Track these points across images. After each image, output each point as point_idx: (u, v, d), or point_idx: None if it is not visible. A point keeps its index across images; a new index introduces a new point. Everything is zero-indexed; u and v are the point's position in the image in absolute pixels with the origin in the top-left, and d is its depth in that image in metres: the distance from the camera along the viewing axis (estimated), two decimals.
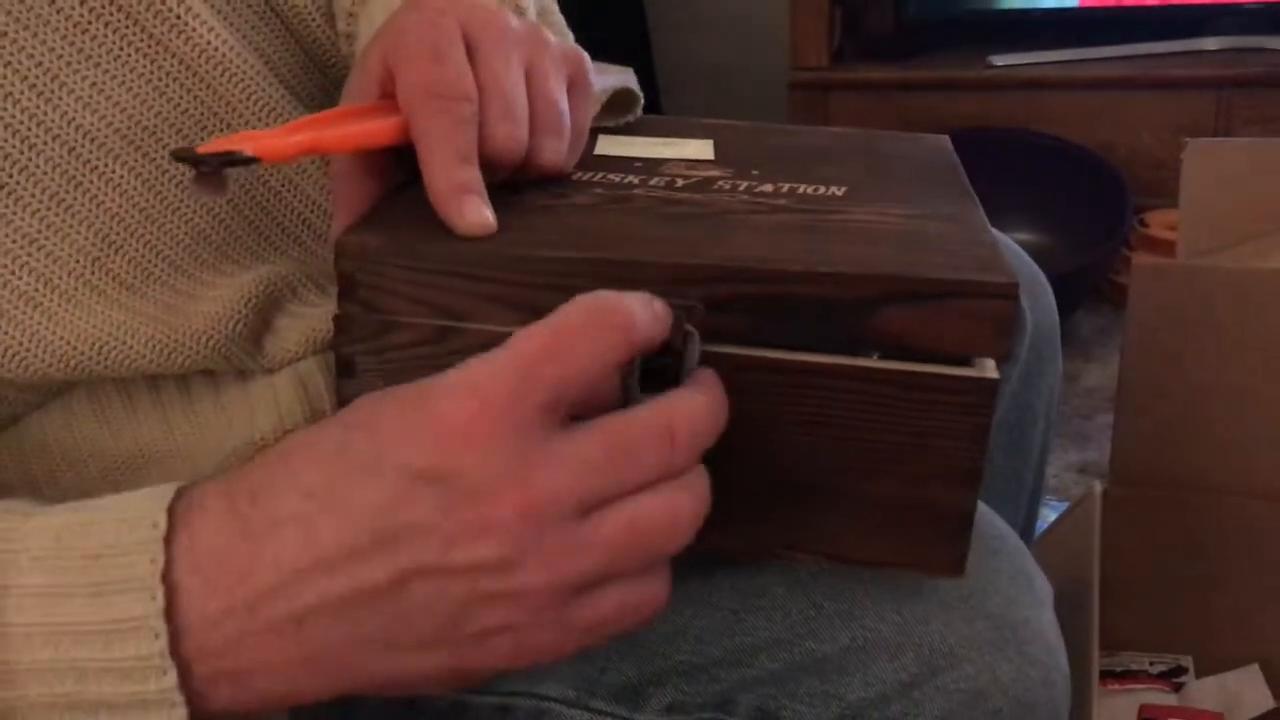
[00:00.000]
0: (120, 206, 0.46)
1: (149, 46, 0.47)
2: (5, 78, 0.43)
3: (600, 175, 0.48)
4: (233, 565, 0.33)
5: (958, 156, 0.53)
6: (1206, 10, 1.90)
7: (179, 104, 0.48)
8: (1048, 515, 1.25)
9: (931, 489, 0.40)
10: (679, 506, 0.34)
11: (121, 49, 0.46)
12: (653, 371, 0.38)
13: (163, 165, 0.47)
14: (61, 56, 0.45)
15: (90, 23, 0.45)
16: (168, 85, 0.48)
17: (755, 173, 0.49)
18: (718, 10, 2.13)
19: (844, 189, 0.47)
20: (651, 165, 0.50)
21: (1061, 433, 1.50)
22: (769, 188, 0.47)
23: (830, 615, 0.45)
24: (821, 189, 0.47)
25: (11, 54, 0.44)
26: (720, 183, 0.48)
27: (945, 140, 0.54)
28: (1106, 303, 1.77)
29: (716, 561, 0.47)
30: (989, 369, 0.39)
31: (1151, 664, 0.96)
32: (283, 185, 0.51)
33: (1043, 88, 1.86)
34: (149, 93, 0.47)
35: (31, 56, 0.44)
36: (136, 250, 0.47)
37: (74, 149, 0.45)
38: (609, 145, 0.52)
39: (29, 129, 0.44)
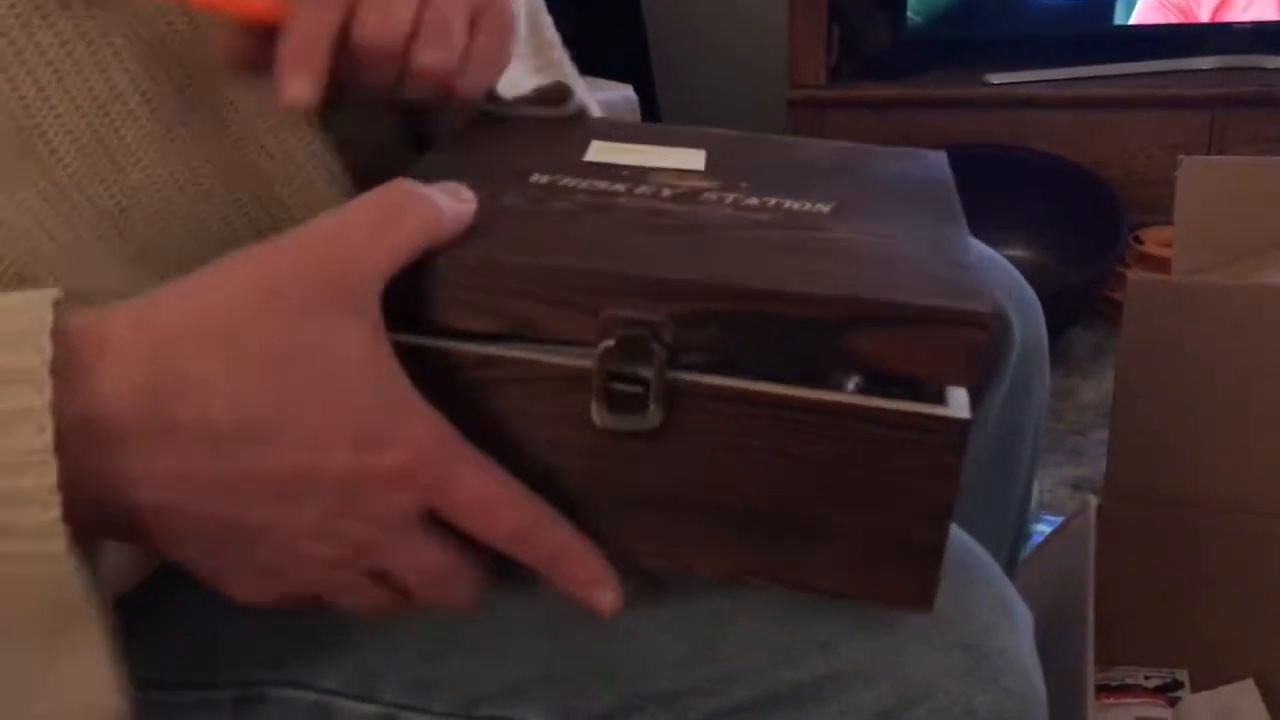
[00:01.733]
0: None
1: None
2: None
3: (586, 182, 0.47)
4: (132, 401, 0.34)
5: (952, 173, 0.52)
6: (1200, 30, 1.92)
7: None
8: (1042, 530, 1.25)
9: (900, 523, 0.40)
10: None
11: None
12: (621, 396, 0.38)
13: None
14: None
15: None
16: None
17: (744, 185, 0.48)
18: (717, 28, 2.15)
19: (831, 205, 0.46)
20: (640, 174, 0.49)
21: (1056, 448, 1.51)
22: (754, 201, 0.46)
23: (806, 644, 0.45)
24: (808, 205, 0.46)
25: None
26: (706, 194, 0.47)
27: (941, 156, 0.54)
28: (1101, 319, 1.78)
29: (692, 588, 0.47)
30: (961, 407, 0.38)
31: (1147, 678, 0.96)
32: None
33: (1039, 106, 1.87)
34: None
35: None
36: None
37: None
38: (599, 152, 0.51)
39: None
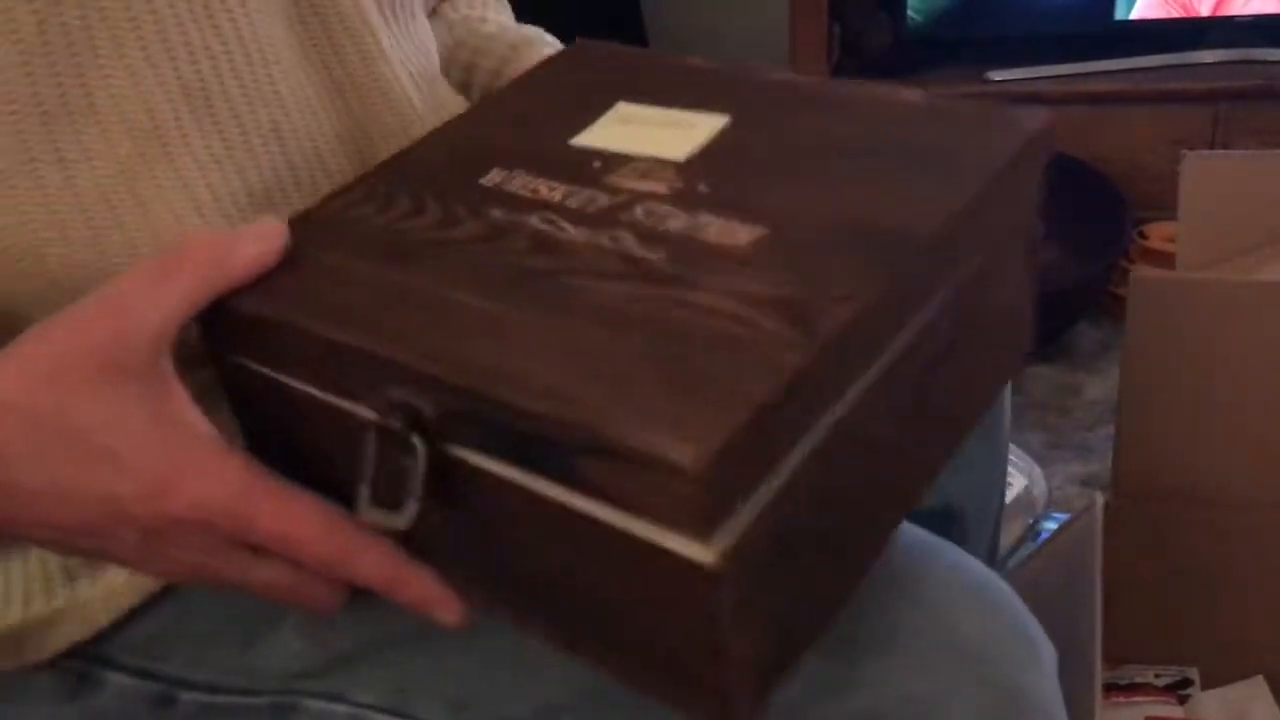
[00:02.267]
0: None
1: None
2: None
3: (529, 187, 0.46)
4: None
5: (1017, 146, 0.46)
6: (1202, 24, 1.91)
7: None
8: (1050, 527, 1.25)
9: (683, 648, 0.36)
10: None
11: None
12: (393, 471, 0.38)
13: None
14: None
15: None
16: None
17: (702, 189, 0.44)
18: (717, 28, 2.15)
19: (760, 234, 0.41)
20: (608, 166, 0.46)
21: (1064, 445, 1.50)
22: (674, 226, 0.42)
23: (848, 681, 0.44)
24: (737, 235, 0.41)
25: None
26: (637, 209, 0.43)
27: (1015, 129, 0.47)
28: (1107, 315, 1.77)
29: None
30: (706, 552, 0.32)
31: (1157, 676, 0.95)
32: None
33: (1041, 102, 1.87)
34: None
35: None
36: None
37: None
38: (604, 125, 0.49)
39: None
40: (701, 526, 0.32)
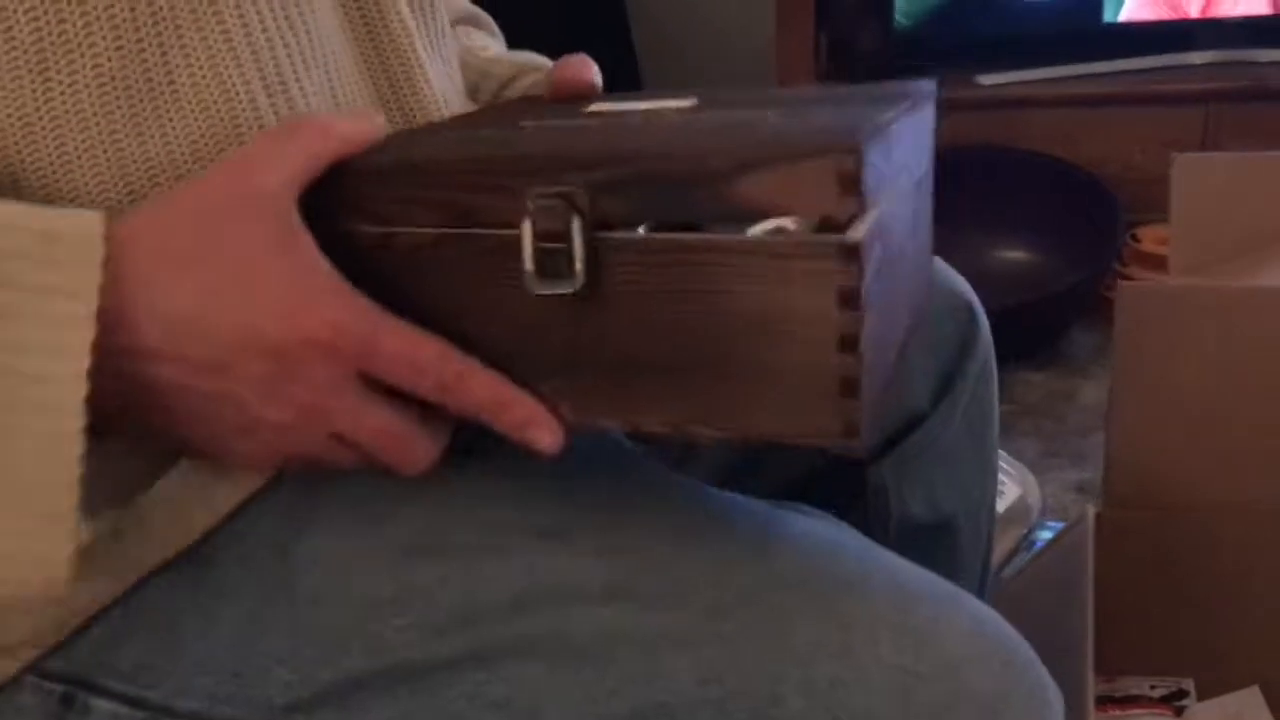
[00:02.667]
0: None
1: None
2: None
3: (565, 113, 0.54)
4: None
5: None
6: (1191, 25, 1.91)
7: None
8: (1045, 537, 1.24)
9: (816, 356, 0.41)
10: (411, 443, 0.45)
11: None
12: (548, 260, 0.42)
13: None
14: None
15: None
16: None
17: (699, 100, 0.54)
18: (703, 32, 2.14)
19: (775, 109, 0.50)
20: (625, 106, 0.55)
21: (1058, 452, 1.49)
22: (691, 102, 0.53)
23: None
24: (747, 107, 0.52)
25: None
26: (664, 107, 0.53)
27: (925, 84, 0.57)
28: (1101, 319, 1.77)
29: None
30: (853, 233, 0.40)
31: (1152, 688, 0.95)
32: None
33: (1032, 106, 1.86)
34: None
35: None
36: None
37: None
38: (598, 105, 0.57)
39: None
40: (854, 204, 0.39)
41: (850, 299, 0.40)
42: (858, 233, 0.40)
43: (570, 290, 0.43)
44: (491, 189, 0.43)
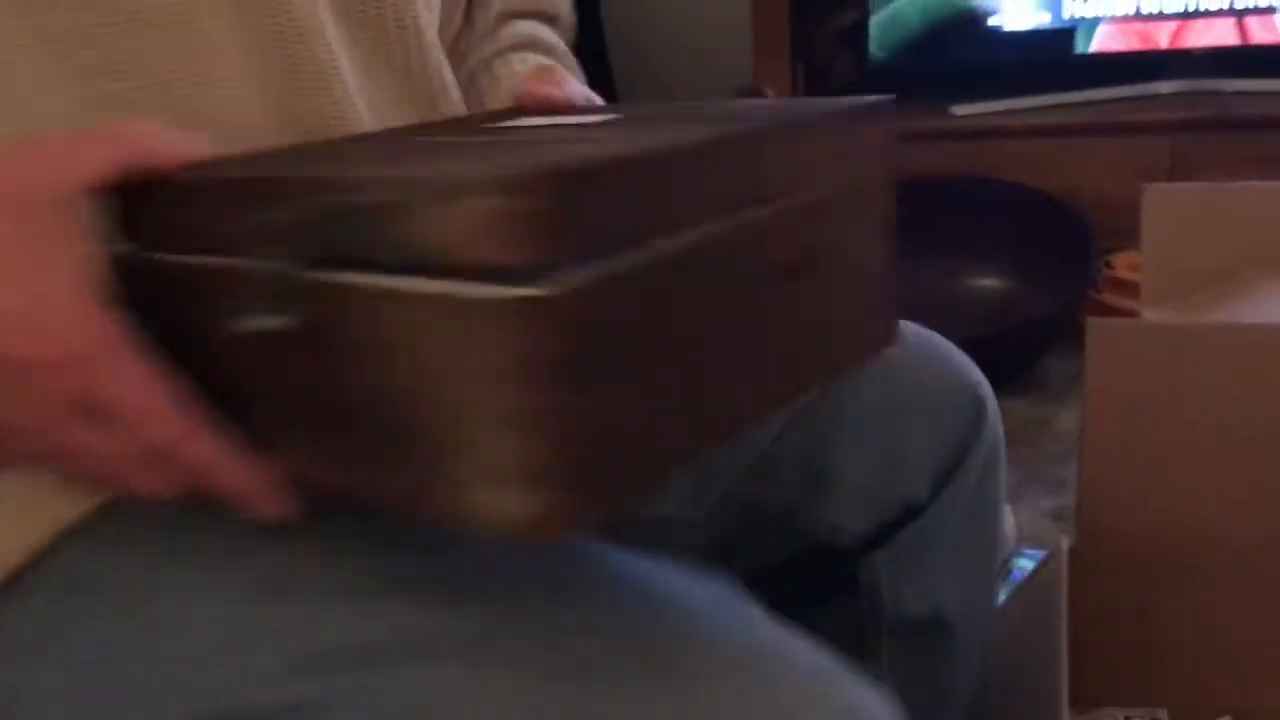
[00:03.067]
0: None
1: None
2: None
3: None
4: None
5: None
6: (1160, 56, 1.94)
7: None
8: (1023, 565, 1.24)
9: (473, 431, 0.35)
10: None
11: None
12: (256, 288, 0.39)
13: None
14: None
15: None
16: None
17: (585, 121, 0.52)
18: (680, 65, 2.15)
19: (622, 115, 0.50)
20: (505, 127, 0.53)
21: (1035, 479, 1.50)
22: (573, 120, 0.51)
23: None
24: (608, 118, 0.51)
25: None
26: (560, 122, 0.51)
27: (874, 100, 0.51)
28: (1076, 346, 1.77)
29: None
30: (537, 288, 0.33)
31: (1128, 718, 0.94)
32: None
33: (1004, 136, 1.88)
34: None
35: None
36: None
37: None
38: (518, 118, 0.56)
39: None
40: (545, 254, 0.33)
41: (536, 368, 0.33)
42: (546, 288, 0.33)
43: (269, 327, 0.39)
44: (224, 216, 0.40)
